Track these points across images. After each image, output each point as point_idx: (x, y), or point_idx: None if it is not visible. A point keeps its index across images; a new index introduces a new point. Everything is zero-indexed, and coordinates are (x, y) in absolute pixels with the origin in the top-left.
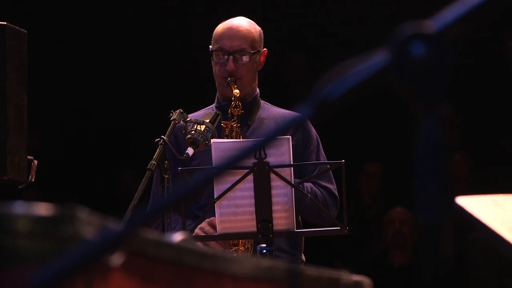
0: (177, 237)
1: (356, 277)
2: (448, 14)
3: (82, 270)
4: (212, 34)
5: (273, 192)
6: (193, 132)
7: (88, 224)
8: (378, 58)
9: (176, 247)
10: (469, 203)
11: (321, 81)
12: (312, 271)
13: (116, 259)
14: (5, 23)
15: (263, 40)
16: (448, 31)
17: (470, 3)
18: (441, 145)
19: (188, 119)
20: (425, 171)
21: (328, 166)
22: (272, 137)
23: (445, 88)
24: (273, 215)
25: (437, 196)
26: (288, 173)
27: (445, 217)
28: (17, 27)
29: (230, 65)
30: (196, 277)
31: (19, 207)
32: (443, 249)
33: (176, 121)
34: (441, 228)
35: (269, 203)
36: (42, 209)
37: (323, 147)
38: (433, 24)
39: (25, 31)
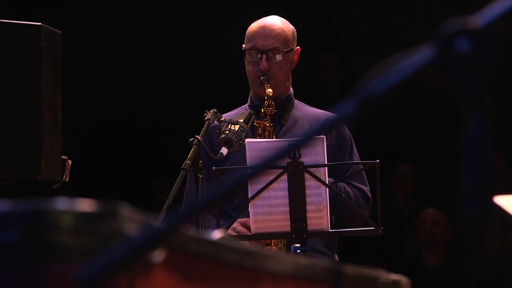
0: (217, 234)
1: (394, 276)
2: (493, 10)
3: (125, 266)
4: (245, 33)
5: (307, 192)
6: (227, 132)
7: (131, 220)
8: (423, 54)
9: (217, 244)
10: (506, 202)
11: (365, 77)
12: (350, 269)
13: (158, 256)
14: (39, 23)
15: (296, 39)
16: (494, 27)
17: None
18: (487, 140)
19: (222, 119)
20: (471, 166)
21: (361, 166)
22: (308, 138)
23: (491, 84)
24: (307, 215)
25: (483, 192)
26: (323, 173)
27: (491, 213)
28: (51, 28)
29: (263, 64)
30: (236, 274)
31: (62, 204)
32: (489, 245)
33: (210, 121)
34: (486, 224)
35: (303, 203)
36: (85, 205)
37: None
38: (478, 20)
39: (59, 32)
